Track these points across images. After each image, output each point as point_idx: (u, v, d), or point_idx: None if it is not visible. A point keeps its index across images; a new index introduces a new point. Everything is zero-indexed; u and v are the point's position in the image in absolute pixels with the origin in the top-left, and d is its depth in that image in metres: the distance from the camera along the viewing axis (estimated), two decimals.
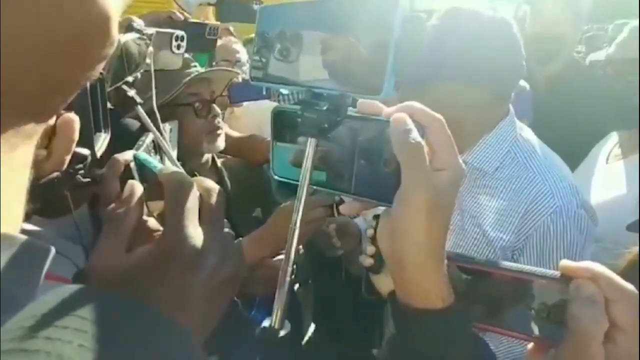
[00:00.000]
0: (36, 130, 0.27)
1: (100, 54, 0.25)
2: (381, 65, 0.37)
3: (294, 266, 0.45)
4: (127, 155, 0.51)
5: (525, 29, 1.59)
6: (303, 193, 0.44)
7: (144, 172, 0.49)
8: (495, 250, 0.87)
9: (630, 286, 0.39)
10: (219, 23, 1.31)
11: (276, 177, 0.49)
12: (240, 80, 1.42)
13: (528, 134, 0.97)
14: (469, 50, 0.85)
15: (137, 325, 0.22)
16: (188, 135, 1.13)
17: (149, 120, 0.79)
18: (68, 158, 0.56)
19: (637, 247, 0.69)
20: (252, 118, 1.89)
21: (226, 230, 0.42)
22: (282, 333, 0.44)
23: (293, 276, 0.45)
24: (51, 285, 0.24)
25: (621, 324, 0.37)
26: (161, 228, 0.45)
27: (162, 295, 0.35)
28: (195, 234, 0.37)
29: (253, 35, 0.47)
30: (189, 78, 1.09)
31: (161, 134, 0.83)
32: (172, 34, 0.93)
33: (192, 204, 0.39)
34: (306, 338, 1.30)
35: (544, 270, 0.41)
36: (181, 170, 0.44)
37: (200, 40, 1.34)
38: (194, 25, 1.32)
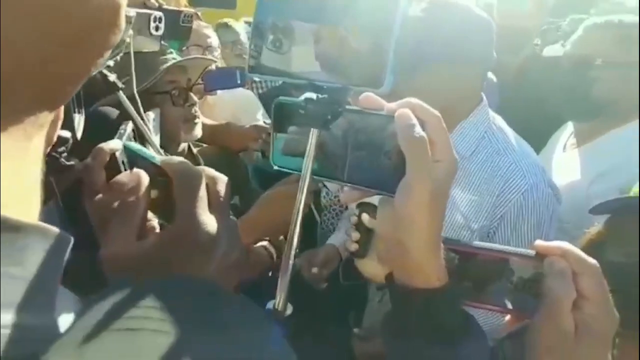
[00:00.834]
0: (47, 120, 0.27)
1: (110, 41, 0.26)
2: (382, 57, 0.39)
3: (296, 250, 0.47)
4: (112, 145, 0.50)
5: (493, 21, 1.65)
6: (306, 182, 0.46)
7: (138, 162, 0.49)
8: (473, 230, 0.93)
9: (593, 261, 0.44)
10: (193, 10, 1.29)
11: (276, 167, 0.51)
12: (214, 67, 1.40)
13: (499, 121, 1.03)
14: (452, 42, 0.89)
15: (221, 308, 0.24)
16: (165, 124, 1.11)
17: (132, 108, 0.77)
18: (55, 138, 0.55)
19: (594, 228, 0.76)
20: (227, 106, 1.86)
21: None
22: (287, 314, 0.47)
23: (296, 259, 0.47)
24: None
25: (587, 294, 0.43)
26: (153, 217, 0.46)
27: None
28: (208, 220, 0.39)
29: (224, 20, 0.47)
30: (167, 65, 1.08)
31: (144, 121, 0.82)
32: (150, 15, 0.90)
33: (202, 192, 0.40)
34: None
35: (521, 249, 0.47)
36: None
37: (174, 27, 1.30)
38: (167, 12, 1.29)
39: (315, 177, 0.48)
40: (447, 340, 0.43)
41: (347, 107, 0.44)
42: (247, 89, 2.20)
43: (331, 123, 0.43)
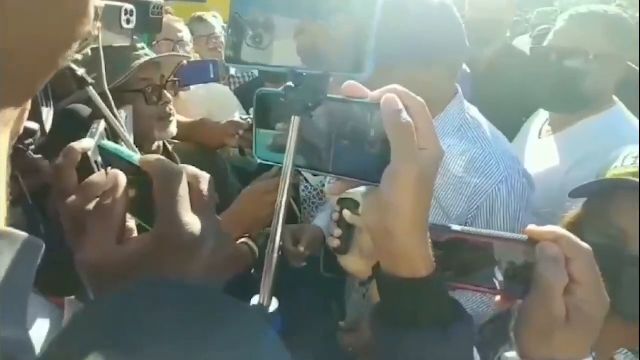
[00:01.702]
0: (13, 116, 0.26)
1: (78, 32, 0.25)
2: (363, 42, 0.38)
3: (280, 245, 0.46)
4: (84, 144, 0.48)
5: (465, 14, 1.68)
6: (288, 174, 0.45)
7: (114, 162, 0.47)
8: (451, 220, 0.94)
9: (586, 245, 0.45)
10: (162, 1, 1.25)
11: (259, 161, 0.50)
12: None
13: (474, 111, 1.04)
14: (420, 35, 0.89)
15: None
16: (138, 123, 1.08)
17: (104, 105, 0.74)
18: (22, 129, 0.52)
19: (572, 212, 0.78)
20: (201, 102, 1.82)
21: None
22: (271, 310, 0.46)
23: (280, 253, 0.46)
24: None
25: (578, 278, 0.43)
26: (130, 219, 0.44)
27: None
28: (191, 220, 0.37)
29: (198, 13, 0.46)
30: (140, 62, 1.04)
31: (117, 119, 0.79)
32: (121, 7, 0.86)
33: (183, 191, 0.39)
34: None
35: (513, 234, 0.47)
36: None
37: (144, 19, 1.26)
38: (136, 3, 1.24)
39: (298, 168, 0.47)
40: (436, 328, 0.43)
41: (330, 96, 0.44)
42: (224, 84, 2.17)
43: (312, 110, 0.43)
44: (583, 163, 1.14)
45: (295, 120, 0.43)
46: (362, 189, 0.46)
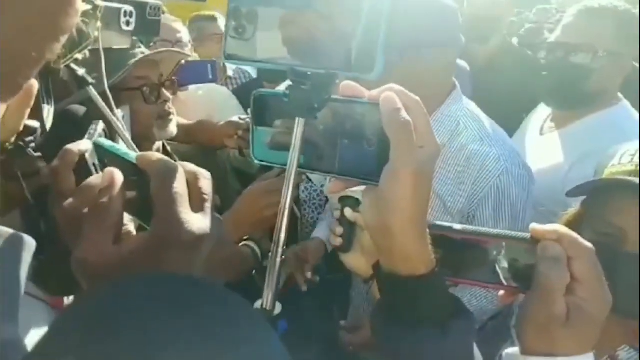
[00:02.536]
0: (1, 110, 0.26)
1: (65, 25, 0.25)
2: (371, 41, 0.37)
3: (284, 247, 0.46)
4: (81, 146, 0.47)
5: (464, 11, 1.67)
6: (292, 175, 0.44)
7: (111, 160, 0.46)
8: (453, 215, 0.94)
9: (589, 244, 0.44)
10: (160, 2, 1.24)
11: (257, 162, 0.49)
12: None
13: (473, 107, 1.04)
14: (418, 28, 0.89)
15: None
16: (137, 122, 1.07)
17: (104, 105, 0.74)
18: (21, 126, 0.51)
19: (571, 210, 0.78)
20: (201, 103, 1.81)
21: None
22: (275, 313, 0.46)
23: (283, 257, 0.46)
24: None
25: (580, 277, 0.43)
26: (127, 217, 0.43)
27: None
28: (190, 219, 0.37)
29: (198, 13, 0.45)
30: (135, 59, 1.03)
31: (117, 119, 0.78)
32: (120, 9, 0.86)
33: (182, 189, 0.38)
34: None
35: (515, 232, 0.46)
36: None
37: (142, 22, 1.25)
38: (133, 4, 1.24)
39: (300, 170, 0.46)
40: (436, 324, 0.43)
41: (332, 96, 0.43)
42: (222, 84, 2.16)
43: (318, 111, 0.42)
44: (585, 160, 1.13)
45: (300, 122, 0.43)
46: (363, 187, 0.46)
